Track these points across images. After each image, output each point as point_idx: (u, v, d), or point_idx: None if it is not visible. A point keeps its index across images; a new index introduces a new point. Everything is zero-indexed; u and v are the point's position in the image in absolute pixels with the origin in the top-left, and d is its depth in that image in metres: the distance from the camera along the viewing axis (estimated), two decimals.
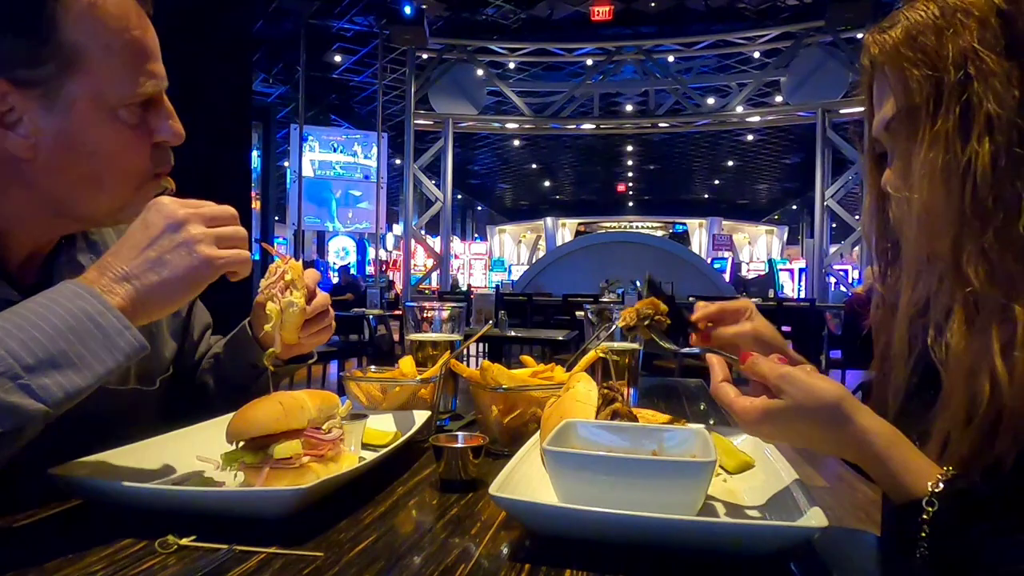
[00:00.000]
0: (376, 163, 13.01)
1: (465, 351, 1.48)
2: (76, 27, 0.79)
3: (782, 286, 18.16)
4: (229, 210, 0.83)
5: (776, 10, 11.84)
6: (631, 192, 27.63)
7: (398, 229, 18.58)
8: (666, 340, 1.01)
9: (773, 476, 0.82)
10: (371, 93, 15.23)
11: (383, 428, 1.01)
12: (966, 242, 0.68)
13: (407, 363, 1.16)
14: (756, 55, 12.87)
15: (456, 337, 1.28)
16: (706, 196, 28.38)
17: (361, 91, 16.17)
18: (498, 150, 20.89)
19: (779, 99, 12.55)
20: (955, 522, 0.61)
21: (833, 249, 11.55)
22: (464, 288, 17.59)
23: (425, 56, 12.10)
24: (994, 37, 0.68)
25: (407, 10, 10.57)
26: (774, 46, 11.91)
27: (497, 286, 15.42)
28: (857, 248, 10.89)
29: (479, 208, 29.09)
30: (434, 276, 12.56)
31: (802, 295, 14.62)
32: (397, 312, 8.19)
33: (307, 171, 12.88)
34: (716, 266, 17.24)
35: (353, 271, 15.10)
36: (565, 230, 27.39)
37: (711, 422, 0.89)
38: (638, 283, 10.13)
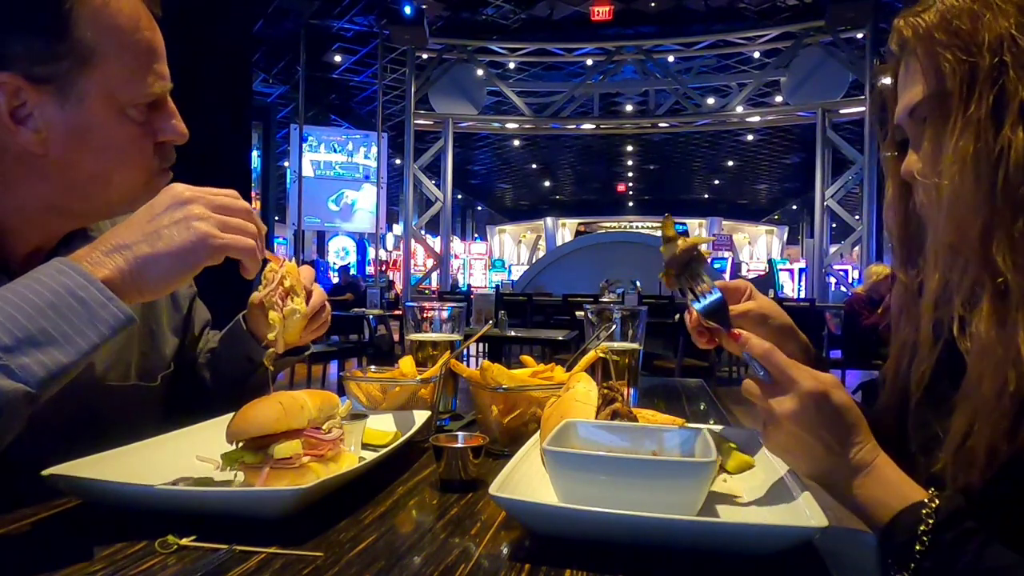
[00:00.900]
0: (376, 163, 13.01)
1: (465, 351, 1.48)
2: (91, 26, 0.81)
3: (782, 286, 18.15)
4: (242, 204, 0.83)
5: (776, 10, 11.83)
6: (631, 192, 27.62)
7: (398, 229, 18.58)
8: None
9: (773, 476, 0.82)
10: (371, 93, 15.23)
11: (383, 428, 1.00)
12: (996, 230, 0.67)
13: (407, 363, 1.16)
14: (756, 55, 12.86)
15: (456, 337, 1.28)
16: (706, 196, 28.38)
17: (361, 91, 16.17)
18: (498, 150, 20.89)
19: (779, 99, 12.55)
20: (947, 545, 0.61)
21: (833, 249, 11.55)
22: (464, 288, 17.59)
23: (425, 56, 12.10)
24: None
25: (407, 10, 10.57)
26: (774, 46, 11.90)
27: (497, 286, 15.43)
28: (857, 248, 10.88)
29: (479, 208, 29.09)
30: (434, 276, 12.56)
31: (802, 295, 14.62)
32: (397, 312, 8.19)
33: (307, 171, 12.88)
34: (716, 266, 17.23)
35: (353, 271, 15.11)
36: (565, 230, 27.39)
37: (711, 422, 0.89)
38: (638, 283, 10.14)
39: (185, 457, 0.84)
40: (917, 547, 0.62)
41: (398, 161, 15.38)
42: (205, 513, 0.69)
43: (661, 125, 13.84)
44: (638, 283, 10.25)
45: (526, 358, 1.20)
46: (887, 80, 0.84)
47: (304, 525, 0.69)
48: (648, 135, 17.11)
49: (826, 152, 10.85)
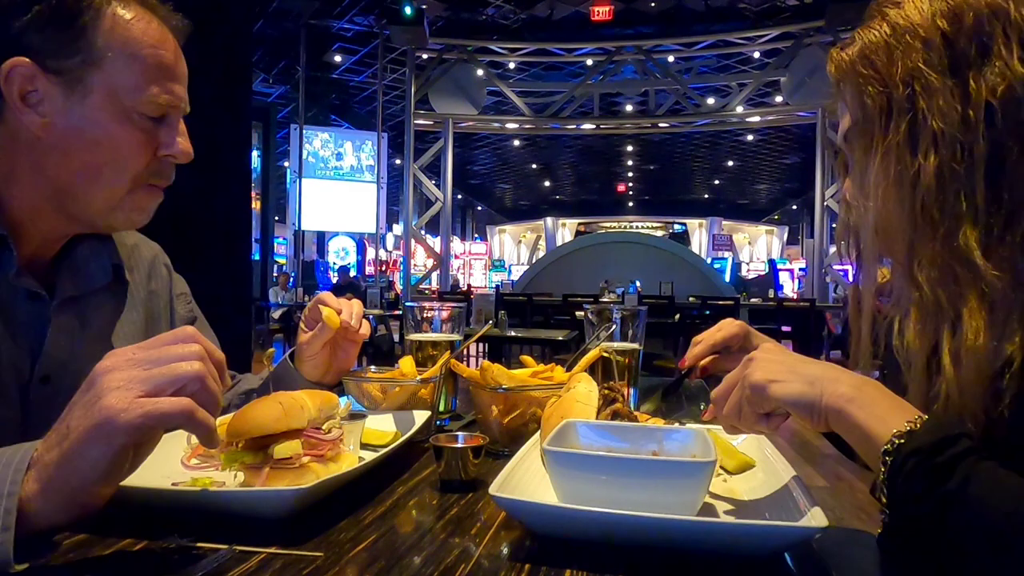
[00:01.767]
0: (376, 163, 13.01)
1: (465, 351, 1.48)
2: (107, 32, 0.88)
3: (782, 286, 18.15)
4: (189, 349, 0.67)
5: (776, 10, 11.83)
6: (631, 192, 27.62)
7: (398, 229, 18.59)
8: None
9: (773, 476, 0.82)
10: (371, 93, 15.23)
11: (383, 428, 1.00)
12: (917, 249, 0.72)
13: (407, 363, 1.16)
14: (756, 55, 12.87)
15: (456, 337, 1.28)
16: (706, 196, 28.38)
17: (361, 91, 16.17)
18: (498, 150, 20.89)
19: (779, 99, 12.55)
20: (914, 483, 0.61)
21: (833, 249, 11.55)
22: (464, 287, 17.60)
23: (425, 56, 12.10)
24: (938, 57, 0.71)
25: (407, 10, 10.57)
26: (774, 46, 11.91)
27: (497, 286, 15.43)
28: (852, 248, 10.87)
29: (479, 208, 29.09)
30: (434, 276, 12.56)
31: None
32: (397, 312, 8.19)
33: (307, 171, 12.88)
34: (716, 266, 17.24)
35: (353, 271, 15.11)
36: (565, 230, 27.40)
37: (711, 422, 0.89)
38: (638, 283, 10.14)
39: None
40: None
41: (398, 161, 15.38)
42: (205, 513, 0.69)
43: (661, 125, 13.85)
44: (638, 283, 10.26)
45: (526, 358, 1.20)
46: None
47: (304, 525, 0.69)
48: (648, 135, 17.12)
49: (826, 152, 10.85)
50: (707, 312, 8.49)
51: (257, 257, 11.54)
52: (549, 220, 27.77)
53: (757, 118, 12.81)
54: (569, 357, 1.18)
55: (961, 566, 0.60)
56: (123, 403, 0.61)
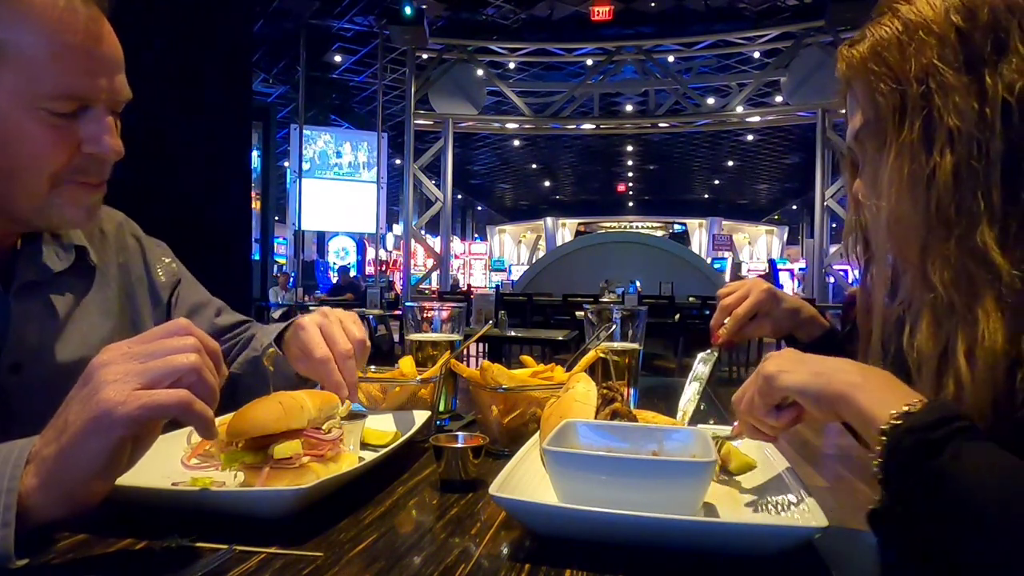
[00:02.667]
0: (376, 163, 13.01)
1: (465, 351, 1.48)
2: (5, 18, 0.79)
3: (782, 286, 18.15)
4: (185, 342, 0.66)
5: (776, 10, 11.84)
6: (631, 192, 27.63)
7: (398, 229, 18.59)
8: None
9: (773, 476, 0.82)
10: (371, 93, 15.23)
11: (383, 428, 1.00)
12: (932, 249, 0.71)
13: (407, 363, 1.16)
14: (756, 55, 12.87)
15: (456, 337, 1.28)
16: (706, 196, 28.39)
17: (361, 91, 16.17)
18: (498, 150, 20.89)
19: (779, 99, 12.55)
20: (907, 457, 0.61)
21: (833, 249, 11.56)
22: (464, 287, 17.60)
23: (425, 56, 12.10)
24: (952, 53, 0.70)
25: (407, 10, 10.57)
26: (774, 46, 11.91)
27: (497, 286, 15.42)
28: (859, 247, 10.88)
29: (479, 208, 29.10)
30: (434, 276, 12.56)
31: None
32: (397, 312, 8.19)
33: (307, 171, 12.88)
34: (716, 266, 17.24)
35: (353, 271, 15.11)
36: (565, 230, 27.41)
37: (711, 422, 0.89)
38: (638, 283, 10.14)
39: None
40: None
41: (398, 161, 15.38)
42: (205, 513, 0.69)
43: (661, 125, 13.85)
44: (638, 283, 10.26)
45: (526, 358, 1.20)
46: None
47: (304, 525, 0.69)
48: (648, 135, 17.12)
49: (826, 152, 10.86)
50: (707, 312, 8.48)
51: (257, 257, 11.53)
52: (549, 220, 27.77)
53: (757, 118, 12.82)
54: (569, 357, 1.18)
55: (951, 540, 0.61)
56: (120, 396, 0.61)
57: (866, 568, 0.72)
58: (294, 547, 0.64)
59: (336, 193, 13.24)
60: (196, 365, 0.65)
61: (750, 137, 18.64)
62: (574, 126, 13.43)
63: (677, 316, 7.99)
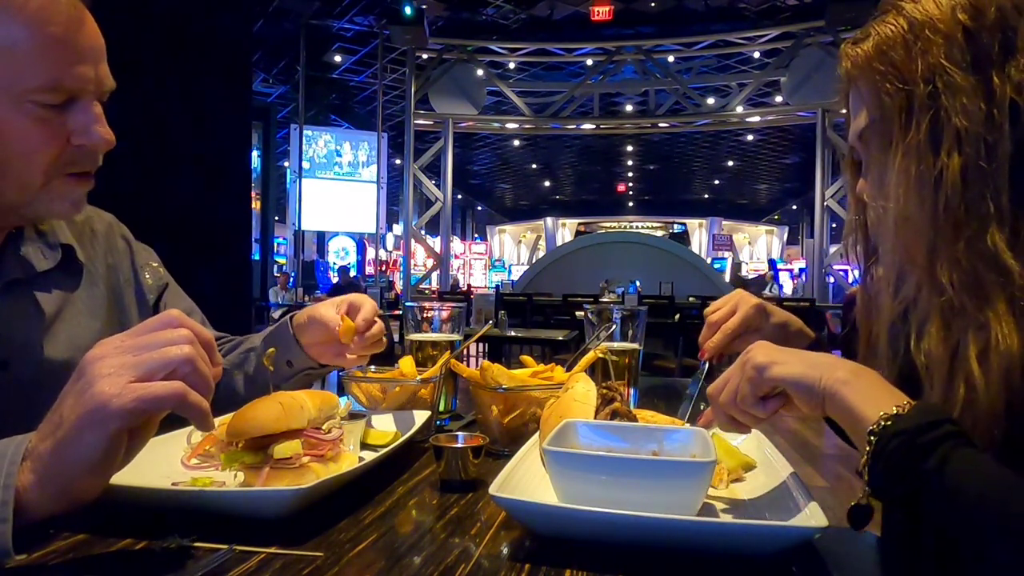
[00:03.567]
0: (376, 163, 13.01)
1: (465, 351, 1.48)
2: None
3: (782, 286, 18.15)
4: (179, 333, 0.66)
5: (776, 10, 11.84)
6: (631, 192, 27.63)
7: (398, 229, 18.58)
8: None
9: (773, 476, 0.82)
10: (371, 93, 15.23)
11: (383, 428, 1.00)
12: (940, 251, 0.70)
13: (407, 363, 1.16)
14: (756, 55, 12.87)
15: (456, 337, 1.28)
16: (706, 196, 28.39)
17: (361, 91, 16.17)
18: (498, 150, 20.89)
19: (779, 99, 12.55)
20: (894, 460, 0.62)
21: (833, 249, 11.55)
22: (464, 287, 17.59)
23: (425, 56, 12.10)
24: (960, 52, 0.69)
25: (407, 10, 10.57)
26: (774, 46, 11.90)
27: (497, 286, 15.41)
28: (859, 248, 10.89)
29: (479, 208, 29.09)
30: (434, 276, 12.56)
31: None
32: (397, 312, 8.19)
33: (307, 171, 12.88)
34: (716, 266, 17.24)
35: (353, 271, 15.10)
36: (565, 230, 27.40)
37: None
38: (638, 283, 10.14)
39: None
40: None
41: (398, 161, 15.38)
42: (205, 513, 0.69)
43: (661, 125, 13.85)
44: (638, 283, 10.26)
45: (526, 358, 1.20)
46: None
47: (304, 525, 0.69)
48: (648, 135, 17.12)
49: (826, 152, 10.85)
50: None
51: (257, 257, 11.54)
52: (549, 220, 27.78)
53: (757, 118, 12.81)
54: (569, 357, 1.18)
55: (938, 543, 0.61)
56: (115, 388, 0.61)
57: (866, 568, 0.72)
58: (294, 547, 0.64)
59: (336, 193, 13.24)
60: (190, 356, 0.65)
61: (750, 137, 18.64)
62: (574, 126, 13.43)
63: (677, 316, 7.97)
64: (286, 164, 14.71)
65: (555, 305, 8.12)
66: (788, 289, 18.78)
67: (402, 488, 0.85)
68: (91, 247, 1.06)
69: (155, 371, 0.63)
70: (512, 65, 13.30)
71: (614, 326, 1.26)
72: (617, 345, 1.26)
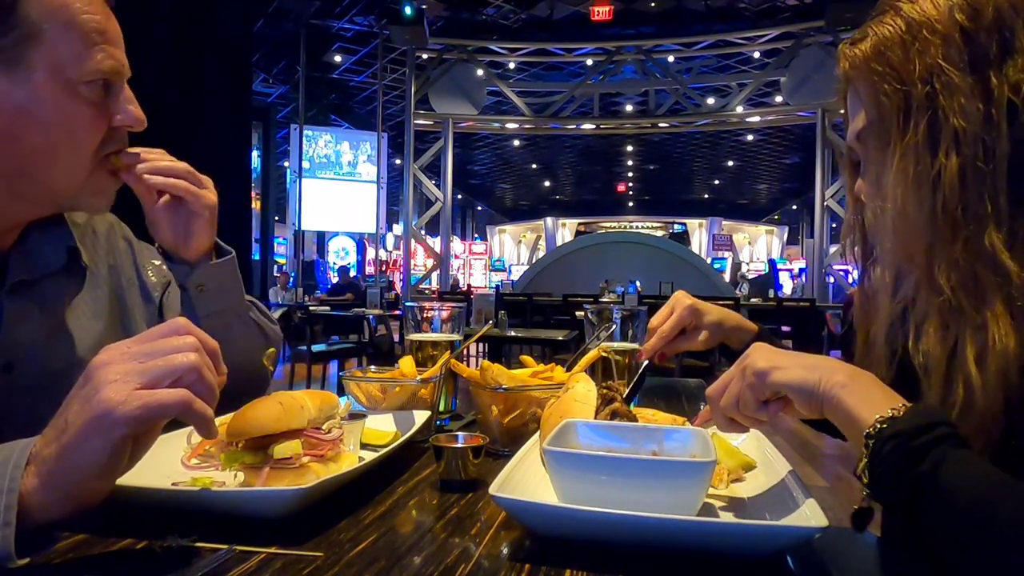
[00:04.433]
0: (376, 163, 13.02)
1: (465, 351, 1.48)
2: (39, 2, 0.83)
3: (782, 286, 18.16)
4: (184, 340, 0.67)
5: (776, 10, 11.84)
6: (631, 192, 27.63)
7: (398, 229, 18.59)
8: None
9: (773, 476, 0.82)
10: (371, 93, 15.24)
11: (383, 428, 1.00)
12: (938, 251, 0.70)
13: (407, 363, 1.16)
14: (756, 55, 12.87)
15: (456, 337, 1.28)
16: (706, 196, 28.39)
17: (361, 91, 16.17)
18: (498, 150, 20.89)
19: (779, 99, 12.55)
20: (890, 462, 0.62)
21: (833, 249, 11.55)
22: (464, 288, 17.59)
23: (425, 56, 12.10)
24: (957, 53, 0.69)
25: (407, 10, 10.56)
26: (774, 46, 11.90)
27: (497, 286, 15.42)
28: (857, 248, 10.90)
29: (479, 208, 29.10)
30: (434, 276, 12.56)
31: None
32: (397, 312, 8.19)
33: (307, 171, 12.89)
34: (716, 266, 17.25)
35: (353, 271, 15.11)
36: (565, 230, 27.41)
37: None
38: (638, 283, 10.14)
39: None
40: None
41: (398, 161, 15.39)
42: (205, 513, 0.69)
43: (661, 125, 13.85)
44: (638, 283, 10.26)
45: (526, 358, 1.20)
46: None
47: (304, 525, 0.69)
48: (648, 135, 17.12)
49: (826, 152, 10.85)
50: None
51: (257, 257, 11.54)
52: (549, 220, 27.78)
53: (757, 118, 12.81)
54: (569, 357, 1.18)
55: (936, 545, 0.61)
56: (121, 395, 0.61)
57: (866, 568, 0.72)
58: (294, 547, 0.64)
59: (336, 193, 13.24)
60: (196, 364, 0.65)
61: (750, 137, 18.64)
62: (574, 126, 13.43)
63: None
64: (286, 164, 14.71)
65: (555, 305, 8.12)
66: (788, 289, 18.77)
67: (402, 488, 0.85)
68: (93, 249, 1.07)
69: (161, 378, 0.63)
70: (512, 65, 13.30)
71: (614, 326, 1.26)
72: (617, 345, 1.26)
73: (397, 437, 0.96)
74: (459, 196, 22.70)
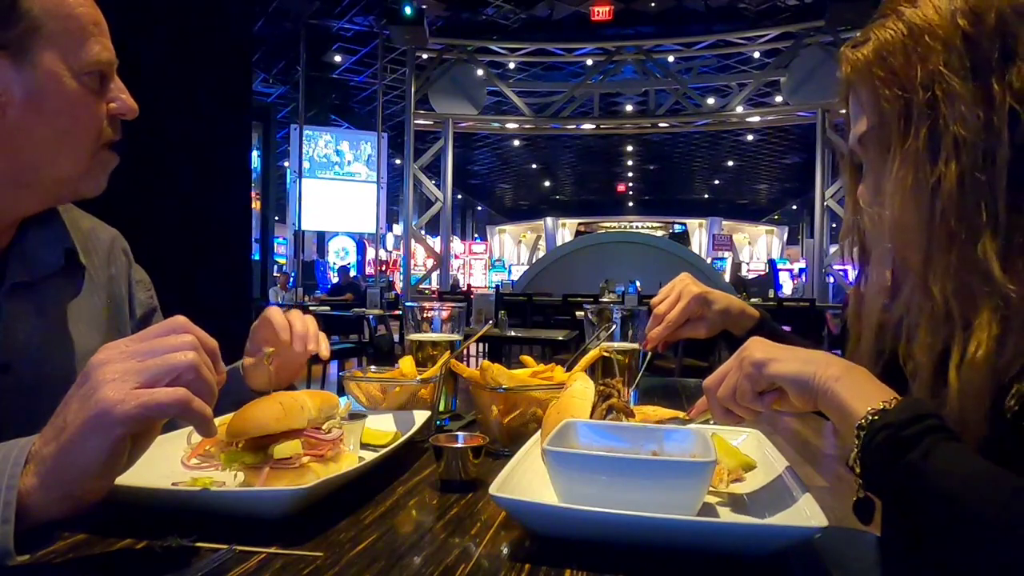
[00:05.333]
0: (376, 163, 13.02)
1: (465, 351, 1.48)
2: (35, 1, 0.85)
3: (782, 286, 18.15)
4: (183, 339, 0.67)
5: (776, 10, 11.84)
6: (631, 192, 27.64)
7: (398, 229, 18.58)
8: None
9: (773, 476, 0.82)
10: (371, 93, 15.24)
11: (383, 428, 1.00)
12: (934, 259, 0.70)
13: (407, 363, 1.16)
14: (756, 55, 12.88)
15: (456, 337, 1.28)
16: (706, 196, 28.40)
17: (361, 91, 16.18)
18: (498, 150, 20.89)
19: (779, 99, 12.56)
20: (881, 452, 0.63)
21: (833, 249, 11.55)
22: (464, 287, 17.60)
23: (425, 56, 12.11)
24: (959, 59, 0.69)
25: (407, 10, 10.57)
26: (774, 46, 11.91)
27: (497, 286, 15.42)
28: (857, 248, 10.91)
29: (479, 208, 29.10)
30: (434, 276, 12.56)
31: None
32: (397, 312, 8.19)
33: (307, 171, 12.89)
34: (716, 266, 17.24)
35: (353, 271, 15.10)
36: (565, 230, 27.41)
37: (711, 422, 0.89)
38: (638, 283, 10.15)
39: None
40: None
41: (398, 161, 15.38)
42: (205, 513, 0.69)
43: (661, 125, 13.85)
44: (638, 283, 10.27)
45: (526, 358, 1.20)
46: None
47: (304, 525, 0.69)
48: (648, 135, 17.13)
49: (826, 152, 10.86)
50: None
51: (257, 257, 11.53)
52: (549, 220, 27.78)
53: (757, 118, 12.82)
54: (569, 357, 1.19)
55: (926, 534, 0.62)
56: (119, 394, 0.61)
57: (866, 568, 0.72)
58: (294, 547, 0.64)
59: (336, 193, 13.24)
60: (194, 363, 0.65)
61: (750, 137, 18.64)
62: (574, 126, 13.43)
63: None
64: (286, 164, 14.71)
65: (555, 305, 8.12)
66: (788, 289, 18.77)
67: (402, 488, 0.85)
68: (95, 255, 1.07)
69: (159, 377, 0.63)
70: (512, 65, 13.31)
71: (614, 326, 1.26)
72: (617, 345, 1.26)
73: (397, 437, 0.96)
74: (459, 196, 22.69)
